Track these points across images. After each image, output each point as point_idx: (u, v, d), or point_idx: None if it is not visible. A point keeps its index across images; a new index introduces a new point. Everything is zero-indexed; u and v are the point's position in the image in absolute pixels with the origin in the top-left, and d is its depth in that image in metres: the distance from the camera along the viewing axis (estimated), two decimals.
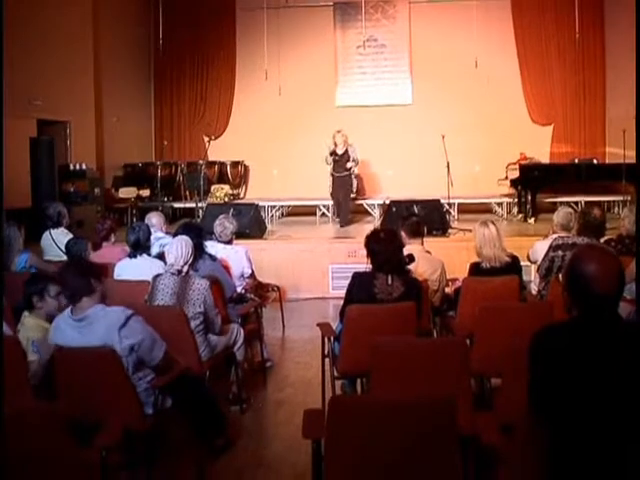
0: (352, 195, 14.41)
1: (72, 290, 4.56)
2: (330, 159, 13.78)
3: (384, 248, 5.64)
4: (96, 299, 4.59)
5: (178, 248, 5.88)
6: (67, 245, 7.68)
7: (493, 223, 6.81)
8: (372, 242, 5.76)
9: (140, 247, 7.10)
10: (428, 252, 7.11)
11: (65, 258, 7.55)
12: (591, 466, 2.75)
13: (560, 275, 6.13)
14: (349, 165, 13.73)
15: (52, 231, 8.80)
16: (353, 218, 14.34)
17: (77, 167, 13.84)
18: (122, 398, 4.48)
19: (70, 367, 4.36)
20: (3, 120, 8.84)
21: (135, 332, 4.54)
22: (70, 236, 8.39)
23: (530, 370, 2.89)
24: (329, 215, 15.57)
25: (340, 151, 13.74)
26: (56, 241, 8.58)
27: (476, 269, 6.77)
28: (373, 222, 14.13)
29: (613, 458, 2.74)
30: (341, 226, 13.73)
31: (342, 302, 5.86)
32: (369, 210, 15.31)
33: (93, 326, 4.48)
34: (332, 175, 13.94)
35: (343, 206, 14.13)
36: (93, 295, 4.57)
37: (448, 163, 13.50)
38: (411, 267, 6.30)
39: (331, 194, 14.22)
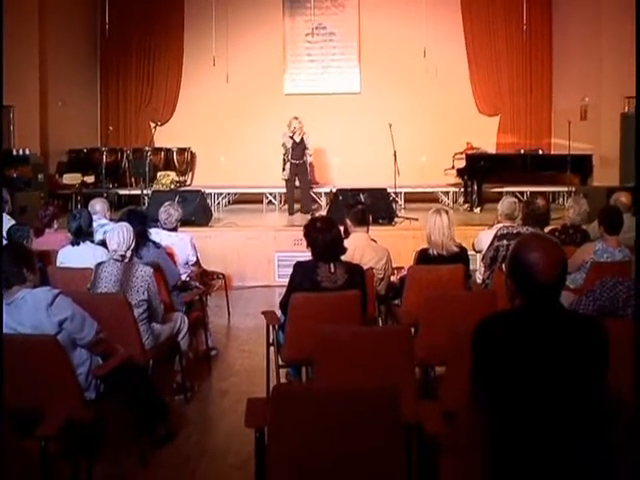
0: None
1: (4, 276, 4.50)
2: (290, 144, 13.77)
3: (322, 237, 5.62)
4: (27, 287, 4.55)
5: (119, 234, 5.80)
6: (9, 231, 7.54)
7: (446, 212, 6.83)
8: (310, 232, 5.73)
9: (82, 234, 6.97)
10: (373, 240, 7.11)
11: None
12: (533, 453, 2.76)
13: (504, 265, 6.17)
14: (308, 153, 13.90)
15: None
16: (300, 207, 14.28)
17: (20, 152, 13.57)
18: (62, 385, 4.41)
19: (7, 355, 4.27)
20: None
21: (63, 309, 4.54)
22: (12, 222, 8.24)
23: (472, 359, 2.90)
24: (276, 203, 15.56)
25: (297, 138, 13.78)
26: None
27: (423, 256, 6.80)
28: (320, 210, 14.13)
29: (555, 445, 2.76)
30: (306, 213, 13.52)
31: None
32: (316, 198, 15.29)
33: (21, 308, 4.47)
34: (290, 162, 13.91)
35: (305, 193, 14.18)
36: (24, 284, 4.54)
37: (395, 152, 13.52)
38: (356, 255, 6.33)
39: (286, 181, 14.16)
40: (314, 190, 15.26)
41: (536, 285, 2.83)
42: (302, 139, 13.78)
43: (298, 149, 13.80)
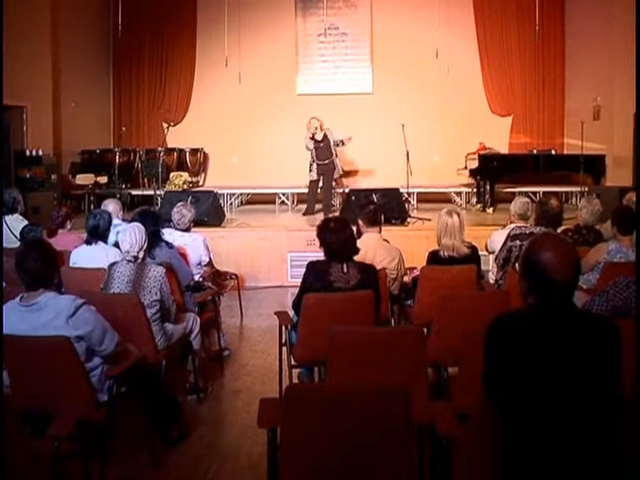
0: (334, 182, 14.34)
1: (31, 276, 4.37)
2: (312, 145, 13.63)
3: (336, 237, 5.61)
4: (52, 292, 4.45)
5: (132, 235, 5.80)
6: (22, 232, 7.58)
7: (458, 214, 6.79)
8: (323, 232, 5.72)
9: (97, 234, 6.98)
10: (386, 241, 7.10)
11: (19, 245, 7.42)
12: (544, 454, 2.76)
13: (517, 265, 6.16)
14: (334, 149, 13.68)
15: (6, 217, 8.67)
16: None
17: (34, 153, 13.64)
18: (75, 387, 4.41)
19: (21, 356, 4.27)
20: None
21: (84, 323, 4.42)
22: (25, 222, 8.28)
23: (485, 358, 2.89)
24: (288, 203, 15.56)
25: (319, 137, 13.59)
26: (10, 227, 8.46)
27: (434, 257, 6.78)
28: (335, 211, 14.11)
29: (566, 446, 2.75)
30: (326, 215, 13.24)
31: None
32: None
33: (41, 312, 4.35)
34: (316, 163, 13.75)
35: (327, 195, 14.03)
36: (49, 287, 4.43)
37: (408, 152, 13.47)
38: (368, 255, 6.32)
39: (311, 182, 14.00)
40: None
41: (549, 284, 2.83)
42: (325, 136, 13.58)
43: (323, 148, 13.60)
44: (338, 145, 13.74)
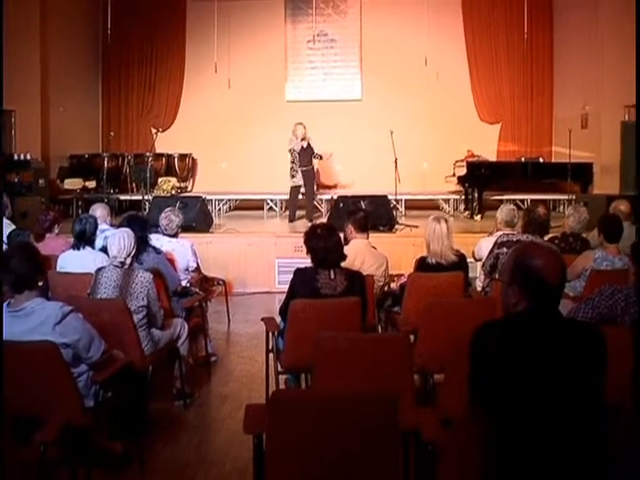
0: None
1: (16, 277, 4.35)
2: (298, 147, 13.57)
3: (323, 244, 5.62)
4: (37, 293, 4.43)
5: (120, 240, 5.80)
6: (9, 236, 7.55)
7: (446, 220, 6.81)
8: (310, 239, 5.74)
9: (84, 239, 6.96)
10: (373, 247, 7.11)
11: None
12: (530, 460, 2.77)
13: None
14: (315, 159, 13.84)
15: None
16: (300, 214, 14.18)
17: (22, 157, 13.60)
18: (62, 392, 4.39)
19: (7, 361, 4.25)
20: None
21: (71, 330, 4.40)
22: (12, 227, 8.25)
23: (470, 365, 2.90)
24: (276, 210, 15.54)
25: (305, 144, 13.62)
26: None
27: (422, 264, 6.79)
28: (321, 217, 14.12)
29: (552, 452, 2.76)
30: (310, 220, 13.35)
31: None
32: (317, 205, 15.28)
33: (28, 318, 4.33)
34: (300, 170, 13.68)
35: (310, 201, 14.09)
36: (34, 290, 4.41)
37: (396, 159, 13.49)
38: (356, 261, 6.34)
39: (293, 187, 13.93)
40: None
41: (546, 288, 2.86)
42: (309, 144, 13.65)
43: (306, 155, 13.64)
44: (316, 158, 13.83)
